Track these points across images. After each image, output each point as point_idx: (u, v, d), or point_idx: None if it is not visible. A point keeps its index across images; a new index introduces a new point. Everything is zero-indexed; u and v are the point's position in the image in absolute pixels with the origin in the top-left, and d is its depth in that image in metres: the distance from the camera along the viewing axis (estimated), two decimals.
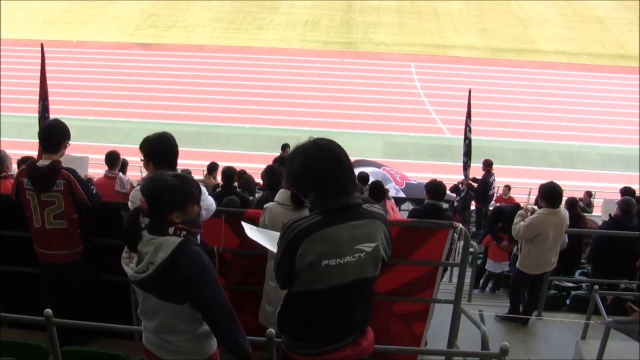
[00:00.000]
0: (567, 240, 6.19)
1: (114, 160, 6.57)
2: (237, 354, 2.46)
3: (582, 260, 7.13)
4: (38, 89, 6.76)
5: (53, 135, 3.69)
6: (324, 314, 2.23)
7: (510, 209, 7.70)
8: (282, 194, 3.47)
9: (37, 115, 6.80)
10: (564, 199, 6.21)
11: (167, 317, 2.35)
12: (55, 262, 3.76)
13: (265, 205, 3.49)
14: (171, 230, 2.30)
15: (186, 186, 2.36)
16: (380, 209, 2.28)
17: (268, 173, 5.18)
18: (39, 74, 6.74)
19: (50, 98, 6.90)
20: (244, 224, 3.02)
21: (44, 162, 3.62)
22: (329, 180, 2.16)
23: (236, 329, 2.43)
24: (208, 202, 3.31)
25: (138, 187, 3.22)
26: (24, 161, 5.43)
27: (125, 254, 2.36)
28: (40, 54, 6.84)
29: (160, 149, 3.17)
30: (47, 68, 6.97)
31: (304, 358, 2.28)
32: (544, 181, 5.41)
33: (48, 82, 6.94)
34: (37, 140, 3.86)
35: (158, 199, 2.32)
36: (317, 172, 2.16)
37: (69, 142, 3.76)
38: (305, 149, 2.19)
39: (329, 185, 2.16)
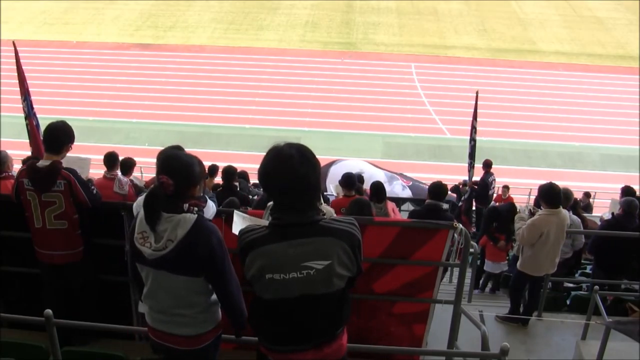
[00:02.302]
0: (583, 240, 6.21)
1: (112, 161, 6.57)
2: (239, 326, 2.62)
3: (582, 261, 7.14)
4: (28, 89, 6.72)
5: (57, 136, 3.68)
6: (276, 321, 2.23)
7: (505, 208, 7.76)
8: None
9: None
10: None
11: (183, 291, 2.48)
12: (55, 262, 3.76)
13: (268, 204, 3.48)
14: (185, 206, 2.43)
15: (199, 161, 2.54)
16: (345, 225, 2.17)
17: None
18: (16, 73, 6.71)
19: (50, 99, 6.89)
20: (235, 214, 3.06)
21: (44, 163, 3.61)
22: (281, 192, 2.12)
23: (242, 301, 2.59)
24: (212, 209, 3.30)
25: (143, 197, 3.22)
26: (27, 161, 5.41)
27: (138, 234, 2.44)
28: (14, 53, 6.84)
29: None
30: (47, 69, 6.96)
31: (268, 352, 2.32)
32: (544, 181, 5.42)
33: (49, 82, 6.94)
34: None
35: (188, 174, 2.45)
36: (271, 180, 2.13)
37: (72, 145, 3.75)
38: (270, 152, 2.14)
39: (280, 196, 2.13)
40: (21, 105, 6.67)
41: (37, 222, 3.66)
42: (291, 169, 2.06)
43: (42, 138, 3.76)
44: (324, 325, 2.24)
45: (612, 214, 6.16)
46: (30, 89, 6.85)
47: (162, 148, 3.24)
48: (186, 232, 2.37)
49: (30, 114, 6.64)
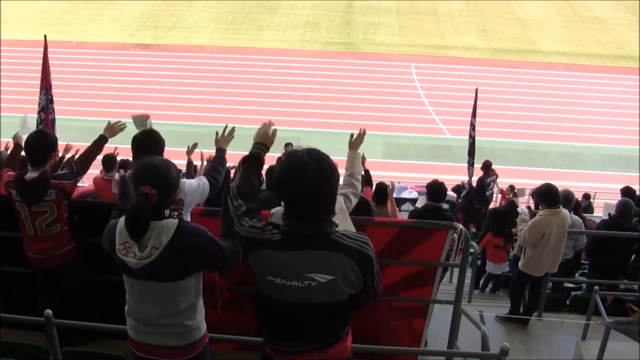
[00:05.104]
0: (585, 240, 6.21)
1: (111, 162, 6.58)
2: None
3: (582, 261, 7.14)
4: (51, 83, 6.75)
5: (38, 148, 3.56)
6: (278, 320, 2.23)
7: (505, 208, 7.82)
8: None
9: (35, 115, 6.75)
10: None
11: (170, 297, 2.44)
12: (49, 267, 3.71)
13: (272, 211, 3.47)
14: (167, 212, 2.41)
15: (173, 164, 2.51)
16: (357, 243, 2.12)
17: (269, 174, 5.19)
18: (41, 66, 6.74)
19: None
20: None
21: (32, 175, 3.50)
22: (292, 199, 2.10)
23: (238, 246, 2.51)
24: (206, 189, 3.31)
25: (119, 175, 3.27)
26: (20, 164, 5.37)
27: (120, 245, 2.40)
28: (43, 47, 6.89)
29: (145, 147, 3.17)
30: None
31: (272, 352, 2.30)
32: (544, 182, 5.42)
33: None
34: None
35: (169, 181, 2.43)
36: (284, 187, 2.12)
37: (56, 153, 3.66)
38: (287, 158, 2.14)
39: (291, 203, 2.12)
40: (37, 99, 6.69)
41: (30, 231, 3.60)
42: (304, 178, 2.04)
43: (27, 150, 3.59)
44: (325, 329, 2.22)
45: (609, 214, 6.16)
46: (31, 89, 6.86)
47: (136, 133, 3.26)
48: (170, 237, 2.36)
49: (47, 108, 6.65)
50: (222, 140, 3.73)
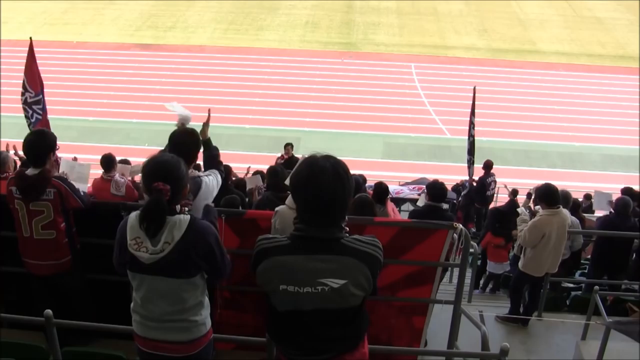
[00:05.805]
0: (582, 241, 6.22)
1: (109, 163, 6.58)
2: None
3: (582, 261, 7.14)
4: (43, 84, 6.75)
5: (36, 150, 3.58)
6: (293, 332, 2.22)
7: (507, 207, 7.83)
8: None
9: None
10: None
11: (179, 294, 2.46)
12: (43, 273, 3.70)
13: (277, 209, 3.47)
14: (178, 208, 2.45)
15: (182, 160, 2.54)
16: (368, 247, 2.14)
17: (270, 174, 5.21)
18: (25, 66, 6.75)
19: (50, 99, 6.90)
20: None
21: (33, 171, 3.54)
22: (307, 203, 2.11)
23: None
24: (218, 181, 3.35)
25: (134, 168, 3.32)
26: (25, 164, 5.40)
27: (131, 240, 2.42)
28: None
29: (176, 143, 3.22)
30: (47, 69, 7.00)
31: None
32: (544, 182, 5.43)
33: (49, 82, 6.95)
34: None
35: (180, 176, 2.46)
36: (300, 190, 2.13)
37: (56, 152, 3.68)
38: (304, 162, 2.15)
39: (305, 207, 2.13)
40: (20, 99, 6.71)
41: (25, 232, 3.60)
42: (320, 182, 2.06)
43: (25, 151, 3.61)
44: (341, 336, 2.21)
45: (610, 212, 6.17)
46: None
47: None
48: (182, 233, 2.38)
49: (44, 108, 6.70)
50: (207, 130, 3.64)
